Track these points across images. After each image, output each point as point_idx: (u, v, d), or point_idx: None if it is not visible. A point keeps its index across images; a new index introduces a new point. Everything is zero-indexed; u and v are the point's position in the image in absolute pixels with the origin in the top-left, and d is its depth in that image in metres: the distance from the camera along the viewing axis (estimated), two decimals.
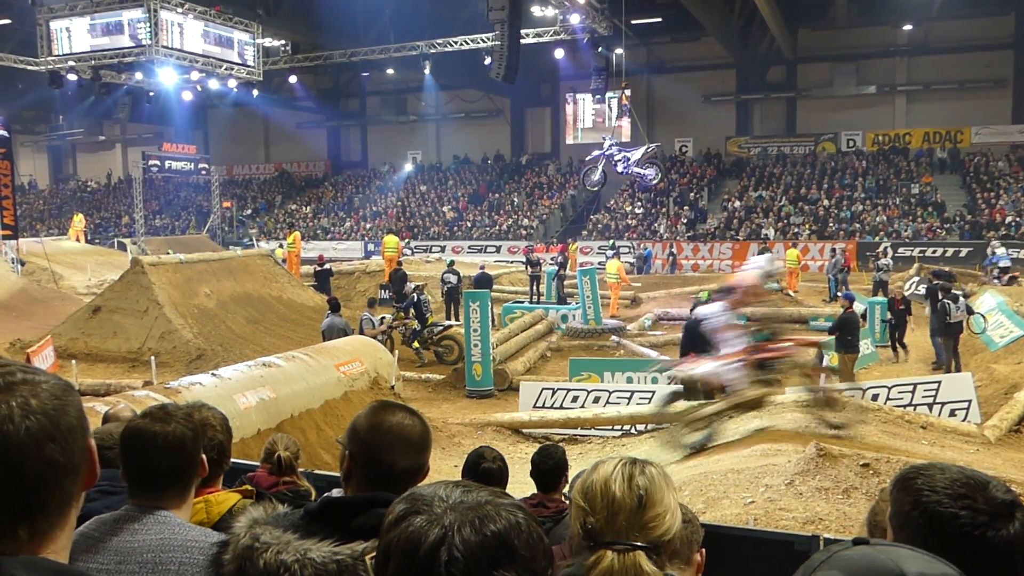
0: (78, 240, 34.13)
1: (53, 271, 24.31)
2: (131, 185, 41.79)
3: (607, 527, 1.69)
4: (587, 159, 22.89)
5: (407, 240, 37.61)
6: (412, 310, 17.50)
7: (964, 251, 31.60)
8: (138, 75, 30.93)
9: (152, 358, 14.04)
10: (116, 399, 8.29)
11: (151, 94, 32.40)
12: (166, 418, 2.15)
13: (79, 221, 36.37)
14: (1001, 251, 26.44)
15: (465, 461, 4.37)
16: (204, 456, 2.23)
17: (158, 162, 38.60)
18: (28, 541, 1.14)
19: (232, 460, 3.29)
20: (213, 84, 31.54)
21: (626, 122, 29.96)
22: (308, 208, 46.80)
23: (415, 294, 17.73)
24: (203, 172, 41.59)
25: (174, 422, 2.14)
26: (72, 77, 29.19)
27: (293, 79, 38.29)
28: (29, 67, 31.04)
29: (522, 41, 26.04)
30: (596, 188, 25.25)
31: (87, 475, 1.23)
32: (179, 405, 2.27)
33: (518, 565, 1.12)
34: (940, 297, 16.45)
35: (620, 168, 21.73)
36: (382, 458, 1.90)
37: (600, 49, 27.95)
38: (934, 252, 31.56)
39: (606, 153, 21.70)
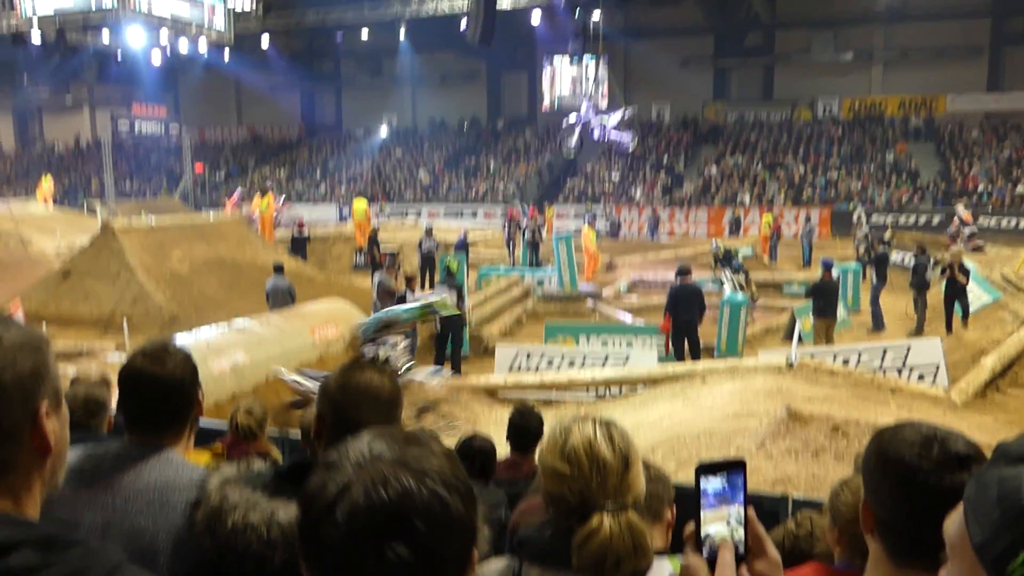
0: (46, 203, 33.56)
1: (21, 235, 23.92)
2: (100, 148, 41.10)
3: (599, 491, 1.66)
4: (564, 124, 22.82)
5: (380, 205, 37.36)
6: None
7: (936, 218, 31.94)
8: (105, 36, 30.26)
9: (124, 322, 13.90)
10: (87, 362, 8.22)
11: (119, 55, 31.73)
12: (164, 360, 2.12)
13: (47, 184, 35.74)
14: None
15: (457, 445, 4.59)
16: (201, 395, 2.21)
17: (127, 124, 37.96)
18: None
19: (204, 422, 3.27)
20: (183, 46, 30.95)
21: (603, 87, 29.81)
22: (282, 171, 46.31)
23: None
24: (174, 135, 40.98)
25: (172, 363, 2.12)
26: (36, 39, 28.52)
27: (265, 41, 37.66)
28: None
29: (498, 5, 25.76)
30: (573, 153, 25.22)
31: (36, 442, 1.19)
32: (176, 345, 2.23)
33: (413, 541, 0.99)
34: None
35: (597, 134, 21.72)
36: (350, 416, 1.89)
37: (577, 13, 27.70)
38: (907, 219, 31.85)
39: (583, 118, 21.65)
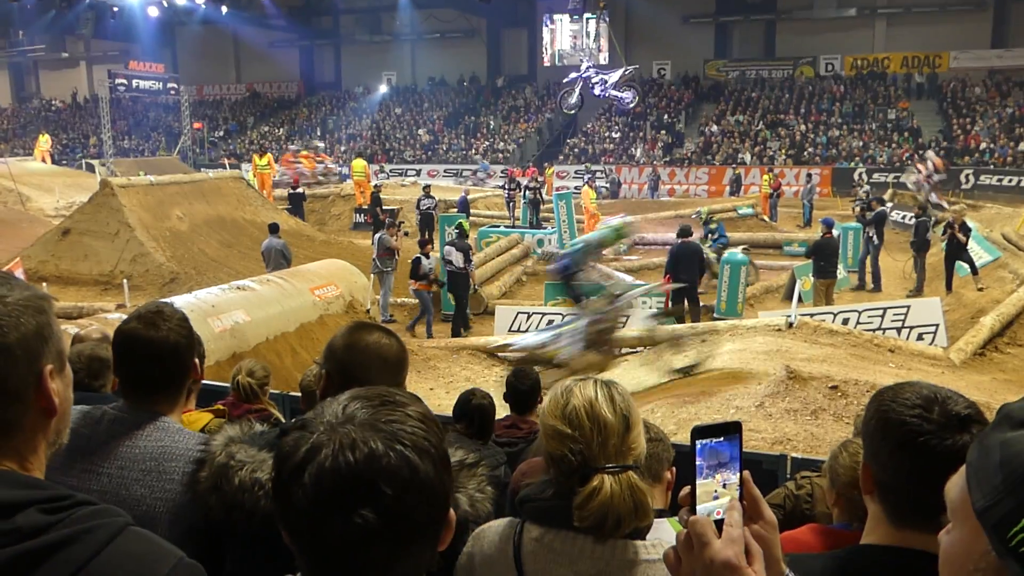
0: (44, 161, 33.40)
1: (20, 192, 23.83)
2: (98, 105, 40.70)
3: (600, 452, 1.67)
4: (564, 82, 22.58)
5: (381, 164, 37.13)
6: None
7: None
8: None
9: (125, 281, 13.91)
10: (88, 321, 8.23)
11: (115, 9, 31.34)
12: (158, 324, 2.08)
13: (45, 141, 35.54)
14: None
15: (457, 401, 4.52)
16: (198, 360, 2.18)
17: (125, 81, 37.60)
18: None
19: (206, 382, 3.28)
20: None
21: (603, 44, 29.44)
22: (281, 130, 45.98)
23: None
24: (172, 92, 40.60)
25: (166, 328, 2.07)
26: None
27: None
28: None
29: None
30: (573, 111, 24.99)
31: (41, 403, 1.19)
32: (174, 308, 2.18)
33: (380, 505, 0.98)
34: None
35: (597, 91, 21.48)
36: (358, 376, 1.88)
37: None
38: (908, 177, 31.62)
39: (583, 76, 21.41)
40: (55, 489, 1.16)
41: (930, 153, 27.73)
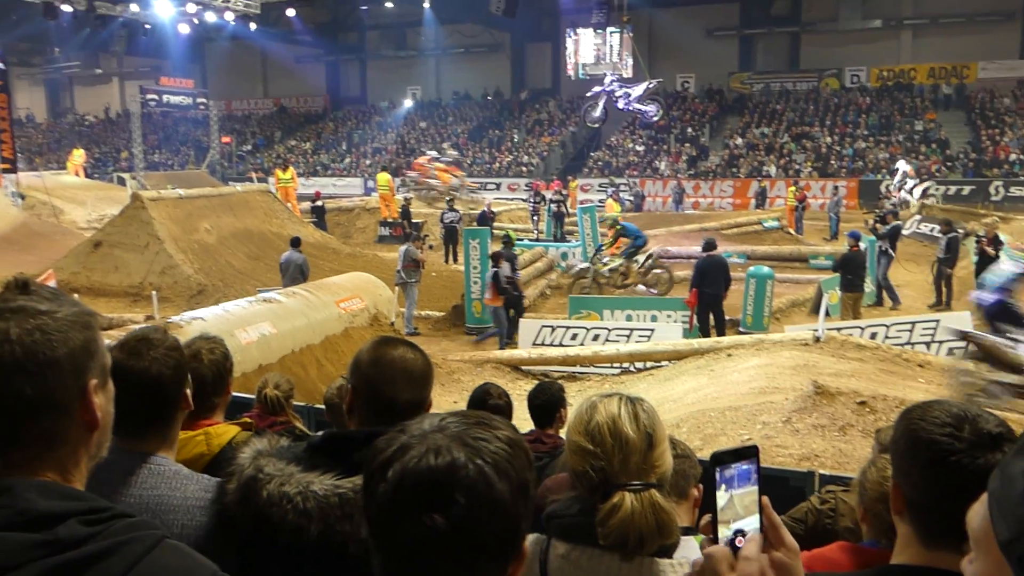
0: (77, 175, 33.89)
1: (53, 205, 24.19)
2: (129, 119, 41.33)
3: (622, 469, 1.66)
4: (588, 95, 22.67)
5: (402, 178, 37.23)
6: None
7: (967, 189, 31.37)
8: (134, 6, 30.38)
9: (154, 293, 14.07)
10: (118, 333, 8.33)
11: (147, 27, 31.86)
12: (142, 353, 1.96)
13: (78, 155, 36.07)
14: None
15: (470, 398, 4.39)
16: (188, 391, 2.05)
17: (156, 96, 38.14)
18: (2, 469, 1.16)
19: (233, 394, 3.30)
20: (210, 17, 30.98)
21: (627, 57, 29.51)
22: (308, 144, 46.39)
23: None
24: (201, 107, 41.11)
25: (149, 357, 1.96)
26: (67, 8, 28.68)
27: (291, 12, 37.59)
28: None
29: None
30: (597, 125, 25.10)
31: (85, 416, 1.22)
32: (165, 334, 2.06)
33: (452, 513, 1.01)
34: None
35: (621, 104, 21.56)
36: (384, 391, 1.90)
37: None
38: (936, 190, 31.34)
39: (607, 89, 21.49)
40: (94, 501, 1.19)
41: (900, 163, 27.99)
